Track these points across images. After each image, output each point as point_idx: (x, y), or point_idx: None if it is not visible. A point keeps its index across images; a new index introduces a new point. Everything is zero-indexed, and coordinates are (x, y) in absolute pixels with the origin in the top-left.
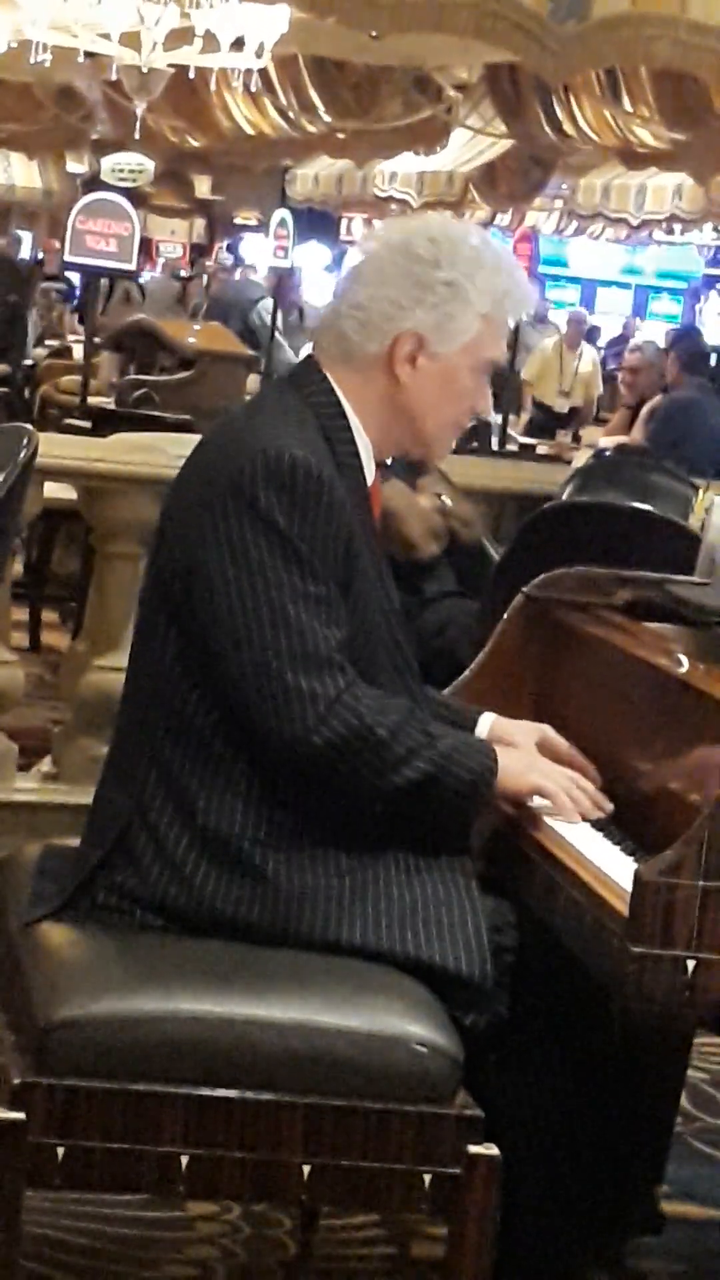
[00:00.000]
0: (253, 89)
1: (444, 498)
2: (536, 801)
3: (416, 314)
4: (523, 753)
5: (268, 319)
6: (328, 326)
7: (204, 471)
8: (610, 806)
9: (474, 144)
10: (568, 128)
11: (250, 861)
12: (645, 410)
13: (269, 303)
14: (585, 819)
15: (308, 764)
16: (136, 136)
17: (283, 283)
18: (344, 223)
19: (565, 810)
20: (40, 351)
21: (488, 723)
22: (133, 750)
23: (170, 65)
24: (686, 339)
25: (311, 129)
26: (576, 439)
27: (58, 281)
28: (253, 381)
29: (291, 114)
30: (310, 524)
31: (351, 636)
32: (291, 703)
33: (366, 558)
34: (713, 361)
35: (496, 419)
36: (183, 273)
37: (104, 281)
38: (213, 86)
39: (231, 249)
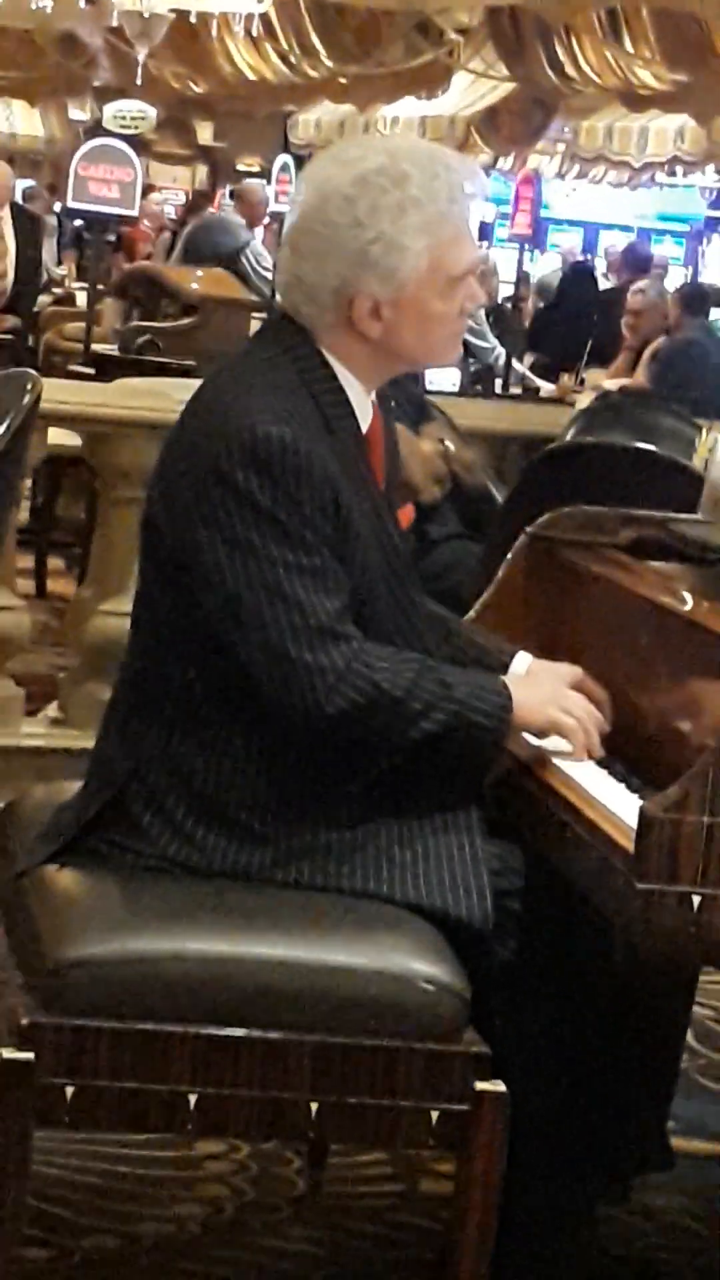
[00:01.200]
0: (254, 34)
1: (447, 442)
2: (540, 741)
3: (359, 279)
4: (540, 685)
5: (260, 263)
6: (283, 295)
7: (187, 447)
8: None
9: (476, 87)
10: (569, 70)
11: (250, 824)
12: (648, 352)
13: (258, 245)
14: (591, 756)
15: (325, 735)
16: (138, 83)
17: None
18: None
19: (578, 745)
20: (44, 299)
21: (524, 663)
22: (132, 710)
23: (171, 10)
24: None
25: (313, 74)
26: (580, 381)
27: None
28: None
29: (293, 59)
30: (293, 497)
31: (353, 591)
32: (300, 678)
33: (362, 509)
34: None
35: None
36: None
37: (166, 235)
38: (214, 32)
39: (234, 195)
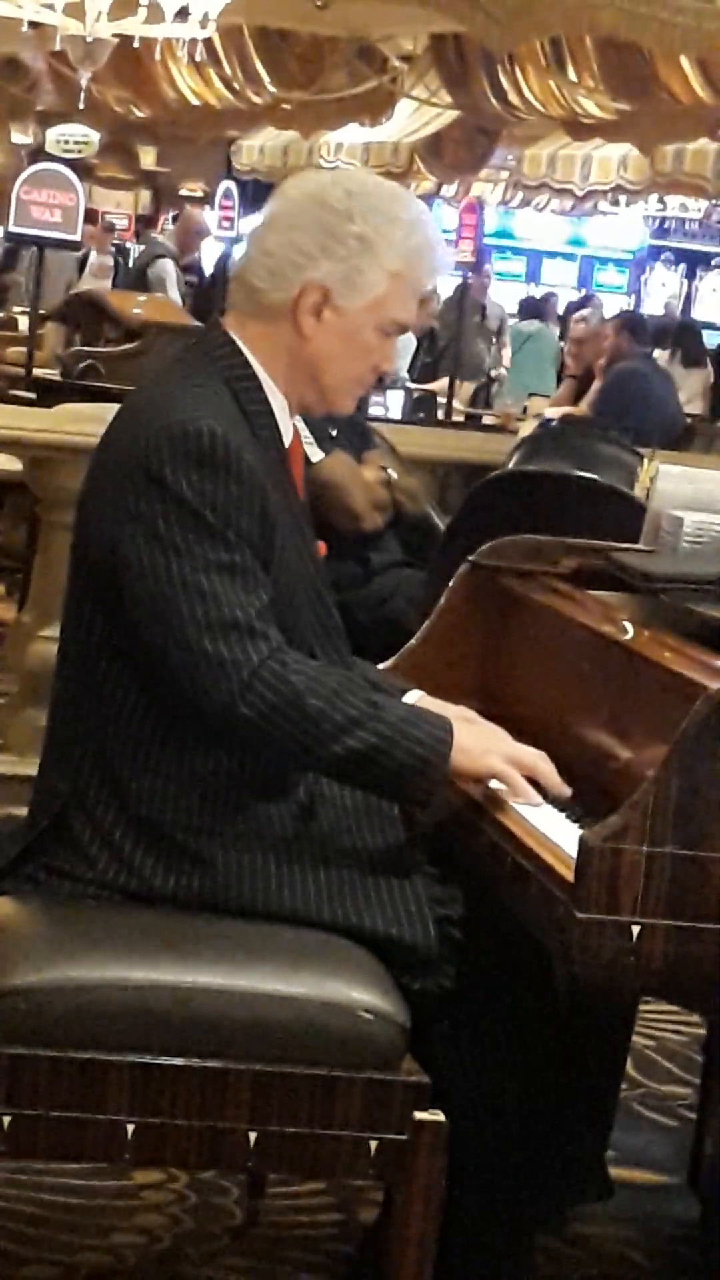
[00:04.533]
0: (197, 59)
1: (389, 471)
2: (492, 783)
3: (324, 265)
4: (484, 731)
5: (167, 276)
6: (239, 275)
7: (115, 451)
8: (568, 791)
9: (419, 115)
10: (513, 98)
11: (186, 846)
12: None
13: (168, 264)
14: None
15: (239, 734)
16: (81, 107)
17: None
18: None
19: (523, 793)
20: None
21: (412, 699)
22: (67, 734)
23: (115, 35)
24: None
25: (256, 100)
26: (523, 409)
27: (190, 274)
28: None
29: (236, 85)
30: (219, 493)
31: (275, 601)
32: (214, 673)
33: (285, 520)
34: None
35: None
36: (129, 245)
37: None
38: (157, 57)
39: (177, 221)
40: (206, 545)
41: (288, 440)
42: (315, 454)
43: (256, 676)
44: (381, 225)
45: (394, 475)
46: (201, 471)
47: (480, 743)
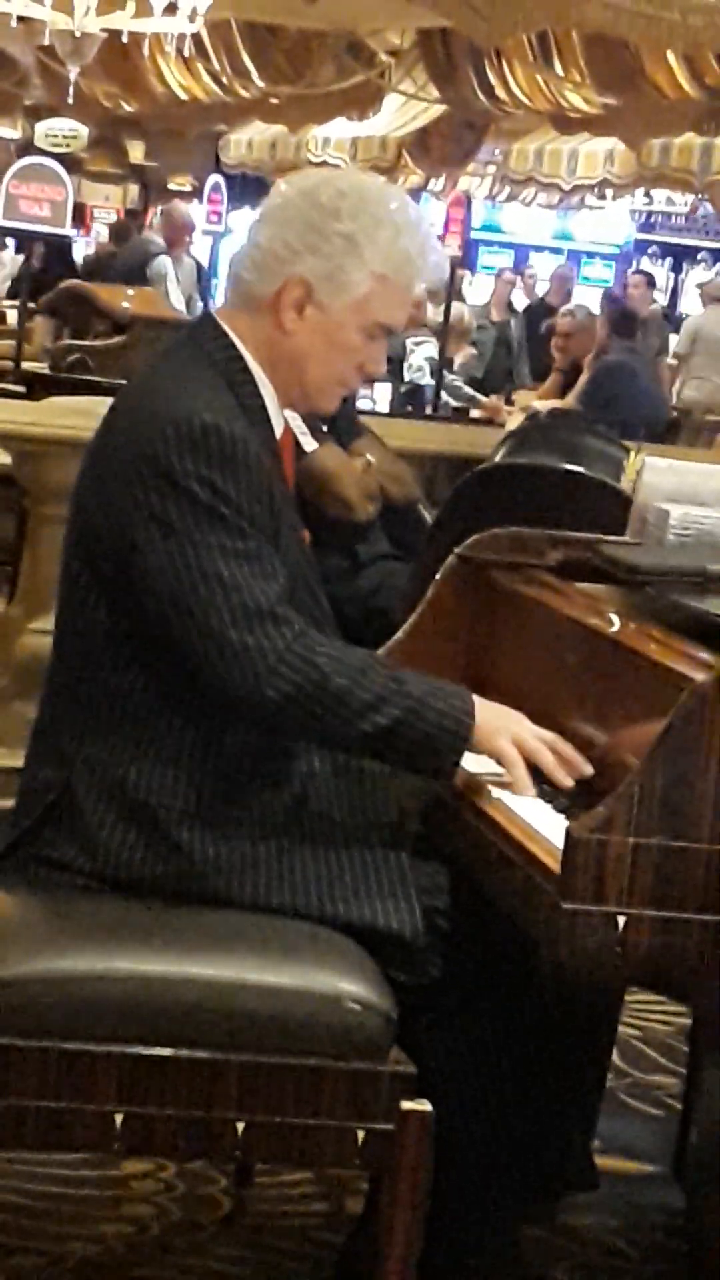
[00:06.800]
0: (186, 54)
1: (368, 456)
2: (474, 768)
3: (308, 260)
4: (504, 711)
5: (166, 273)
6: (232, 269)
7: (118, 446)
8: (590, 770)
9: (407, 109)
10: (500, 92)
11: (179, 836)
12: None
13: (165, 260)
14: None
15: (267, 719)
16: (70, 101)
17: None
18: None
19: (518, 780)
20: None
21: None
22: (61, 724)
23: (103, 30)
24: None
25: (245, 94)
26: (510, 402)
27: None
28: None
29: (224, 79)
30: (229, 484)
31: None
32: (240, 660)
33: (284, 508)
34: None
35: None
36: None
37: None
38: (146, 51)
39: (162, 214)
40: (222, 534)
41: (279, 431)
42: (309, 444)
43: (282, 661)
44: (368, 225)
45: (372, 459)
46: (210, 464)
47: (495, 721)
